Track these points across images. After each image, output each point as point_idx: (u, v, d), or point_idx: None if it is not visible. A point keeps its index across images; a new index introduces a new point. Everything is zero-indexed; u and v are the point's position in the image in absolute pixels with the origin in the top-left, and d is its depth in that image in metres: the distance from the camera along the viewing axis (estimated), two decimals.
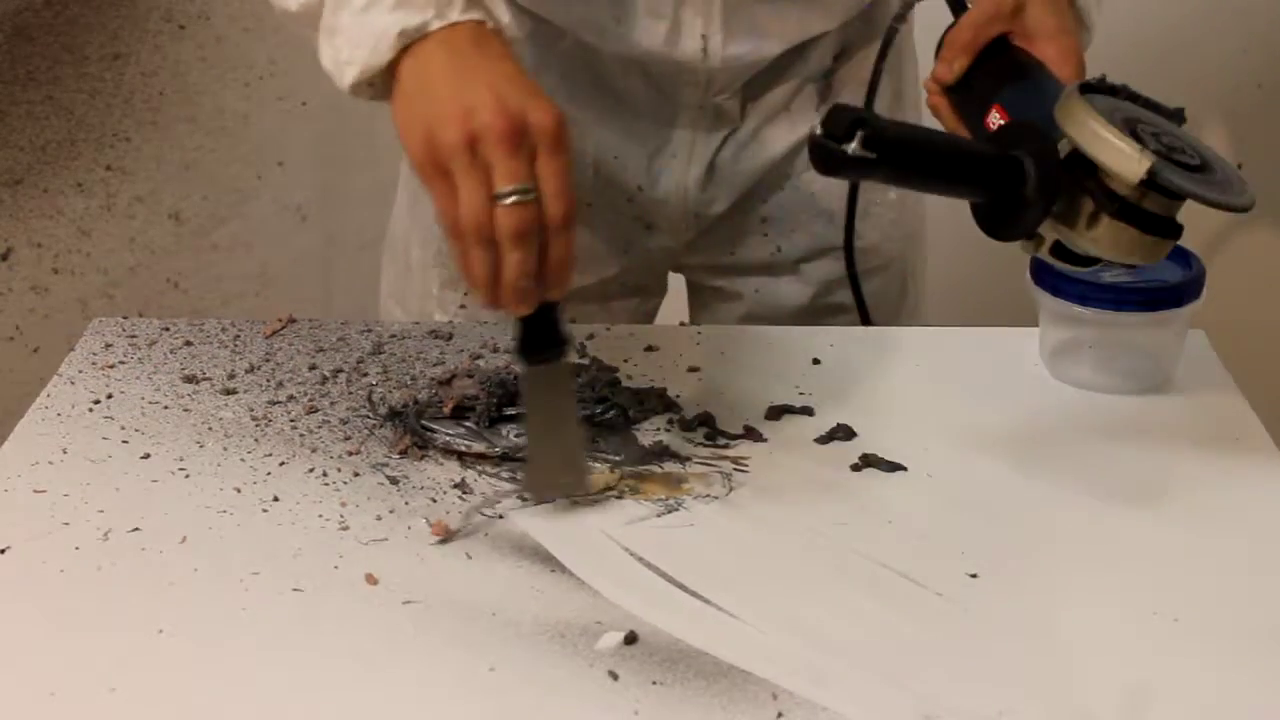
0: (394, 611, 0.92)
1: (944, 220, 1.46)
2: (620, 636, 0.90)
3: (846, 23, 1.28)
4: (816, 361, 1.21)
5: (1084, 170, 0.96)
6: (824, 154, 0.94)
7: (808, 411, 1.13)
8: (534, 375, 1.02)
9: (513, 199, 0.93)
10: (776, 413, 1.13)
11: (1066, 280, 1.15)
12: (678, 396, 1.15)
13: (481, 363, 1.19)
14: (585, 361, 1.19)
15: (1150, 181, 0.93)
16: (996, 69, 1.12)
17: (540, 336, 1.01)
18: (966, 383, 1.19)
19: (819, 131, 0.94)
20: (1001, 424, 1.13)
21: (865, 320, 1.34)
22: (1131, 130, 0.94)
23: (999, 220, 0.99)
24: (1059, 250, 0.99)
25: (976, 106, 1.10)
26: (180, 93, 2.01)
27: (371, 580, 0.95)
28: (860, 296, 1.33)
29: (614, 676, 0.87)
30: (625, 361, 1.20)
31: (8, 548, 0.97)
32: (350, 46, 1.00)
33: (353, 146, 2.17)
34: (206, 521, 1.00)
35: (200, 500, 1.02)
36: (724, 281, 1.38)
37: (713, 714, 0.84)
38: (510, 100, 0.94)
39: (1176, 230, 0.98)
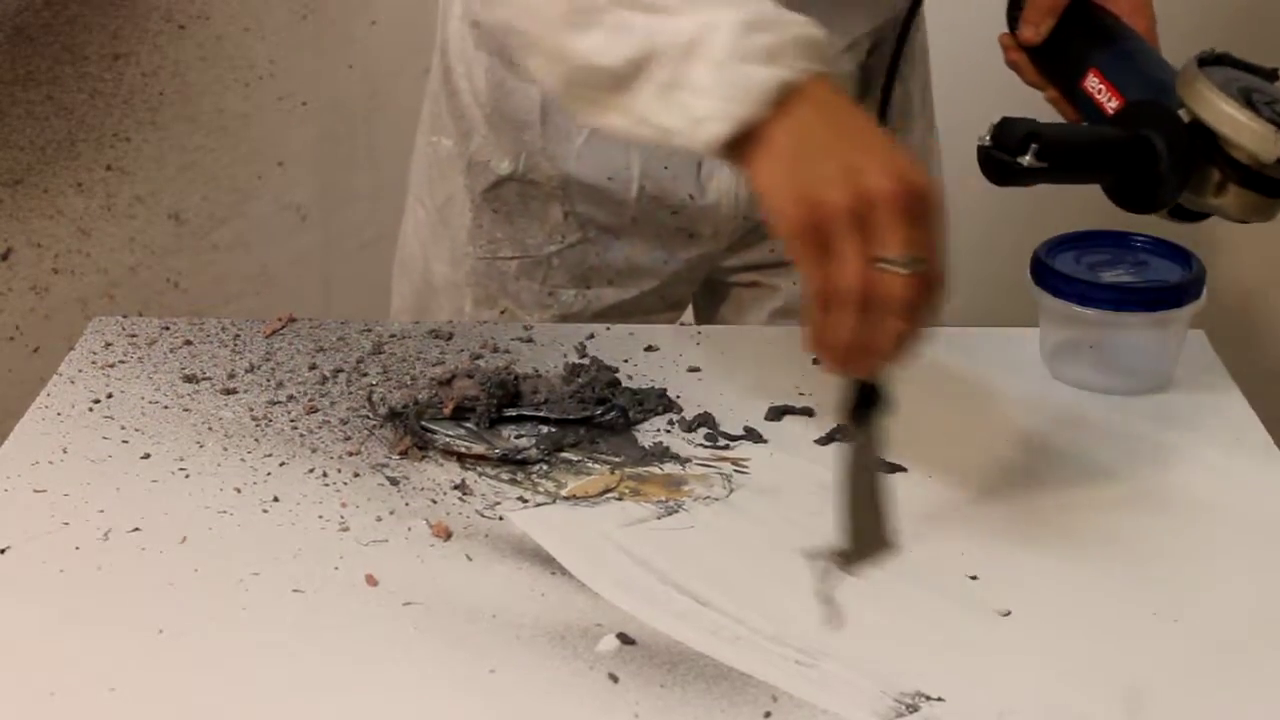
0: (394, 613, 0.92)
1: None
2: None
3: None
4: (817, 362, 1.20)
5: (1206, 141, 1.02)
6: (998, 167, 1.01)
7: (808, 412, 1.13)
8: (862, 436, 0.97)
9: (909, 268, 0.88)
10: (777, 413, 1.13)
11: (1066, 280, 1.15)
12: (678, 397, 1.15)
13: (482, 363, 1.19)
14: (585, 362, 1.19)
15: None
16: (1080, 29, 1.17)
17: (871, 399, 0.96)
18: (966, 383, 1.19)
19: (989, 143, 1.00)
20: (1001, 424, 1.13)
21: None
22: (1249, 101, 1.00)
23: (1133, 196, 1.05)
24: (1176, 210, 1.05)
25: (1067, 68, 1.16)
26: (180, 93, 2.01)
27: (371, 581, 0.95)
28: None
29: (614, 679, 0.87)
30: (625, 362, 1.20)
31: (8, 547, 0.97)
32: (712, 100, 0.92)
33: (353, 146, 2.17)
34: (206, 522, 1.00)
35: (200, 500, 1.02)
36: (760, 276, 1.38)
37: (713, 716, 0.84)
38: (899, 165, 0.89)
39: None
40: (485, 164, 1.31)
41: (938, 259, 0.89)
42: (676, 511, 1.02)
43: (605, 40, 0.95)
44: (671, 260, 1.33)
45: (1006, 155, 1.00)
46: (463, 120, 1.31)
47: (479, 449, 1.08)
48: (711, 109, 0.92)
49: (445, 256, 1.36)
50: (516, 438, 1.09)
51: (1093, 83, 1.13)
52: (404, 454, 1.08)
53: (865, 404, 0.96)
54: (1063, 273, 1.16)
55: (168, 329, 1.24)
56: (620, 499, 1.03)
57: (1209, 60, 1.04)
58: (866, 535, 0.96)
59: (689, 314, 1.45)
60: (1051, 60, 1.18)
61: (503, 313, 1.34)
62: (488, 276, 1.34)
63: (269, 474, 1.05)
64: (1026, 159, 1.00)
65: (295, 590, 0.94)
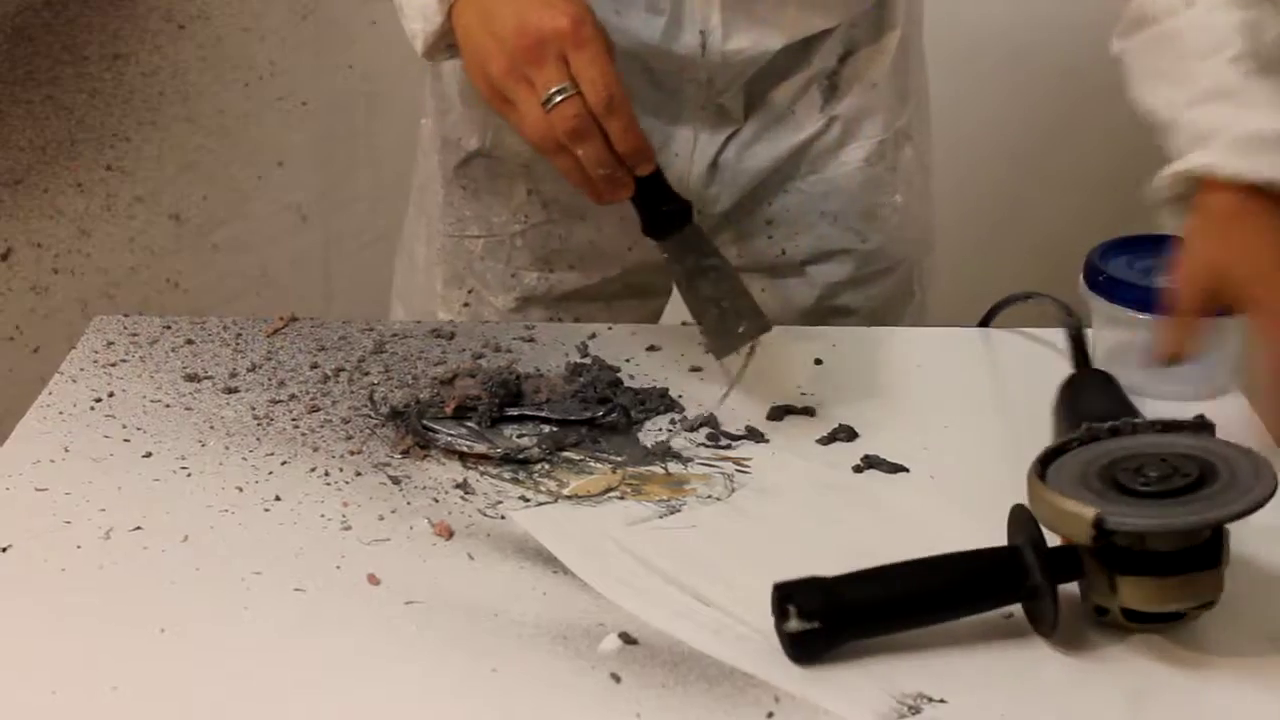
0: (396, 612, 0.92)
1: (948, 222, 1.46)
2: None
3: (852, 23, 1.28)
4: (819, 362, 1.21)
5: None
6: (781, 638, 0.88)
7: (810, 412, 1.13)
8: (671, 247, 1.11)
9: (553, 102, 1.02)
10: (779, 413, 1.13)
11: (1123, 286, 1.13)
12: (680, 397, 1.15)
13: (484, 363, 1.19)
14: (587, 361, 1.19)
15: (1102, 529, 0.84)
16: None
17: (658, 211, 1.10)
18: (968, 383, 1.19)
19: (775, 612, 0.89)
20: (1003, 425, 1.13)
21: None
22: (1111, 477, 0.88)
23: (1034, 620, 0.90)
24: (1134, 615, 0.88)
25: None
26: (180, 93, 2.01)
27: (373, 580, 0.95)
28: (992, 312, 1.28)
29: (616, 679, 0.87)
30: (627, 361, 1.20)
31: (9, 546, 0.97)
32: (410, 21, 1.11)
33: (353, 146, 2.17)
34: (208, 520, 1.00)
35: (202, 499, 1.02)
36: None
37: (715, 716, 0.84)
38: (529, 17, 1.03)
39: (1211, 558, 0.86)
40: (457, 141, 1.33)
41: (589, 76, 1.02)
42: (678, 511, 1.02)
43: None
44: (635, 248, 1.34)
45: (781, 623, 0.87)
46: (442, 99, 1.34)
47: (481, 448, 1.08)
48: (413, 29, 1.11)
49: (423, 235, 1.38)
50: (518, 437, 1.09)
51: None
52: (406, 453, 1.08)
53: (654, 218, 1.10)
54: (1120, 279, 1.13)
55: (169, 328, 1.24)
56: (622, 498, 1.03)
57: (1072, 443, 0.92)
58: (726, 323, 1.10)
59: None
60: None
61: (470, 292, 1.35)
62: (455, 255, 1.36)
63: (271, 473, 1.05)
64: (789, 624, 0.87)
65: (297, 589, 0.94)
